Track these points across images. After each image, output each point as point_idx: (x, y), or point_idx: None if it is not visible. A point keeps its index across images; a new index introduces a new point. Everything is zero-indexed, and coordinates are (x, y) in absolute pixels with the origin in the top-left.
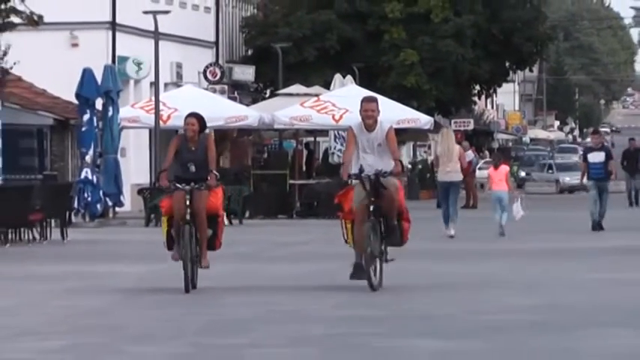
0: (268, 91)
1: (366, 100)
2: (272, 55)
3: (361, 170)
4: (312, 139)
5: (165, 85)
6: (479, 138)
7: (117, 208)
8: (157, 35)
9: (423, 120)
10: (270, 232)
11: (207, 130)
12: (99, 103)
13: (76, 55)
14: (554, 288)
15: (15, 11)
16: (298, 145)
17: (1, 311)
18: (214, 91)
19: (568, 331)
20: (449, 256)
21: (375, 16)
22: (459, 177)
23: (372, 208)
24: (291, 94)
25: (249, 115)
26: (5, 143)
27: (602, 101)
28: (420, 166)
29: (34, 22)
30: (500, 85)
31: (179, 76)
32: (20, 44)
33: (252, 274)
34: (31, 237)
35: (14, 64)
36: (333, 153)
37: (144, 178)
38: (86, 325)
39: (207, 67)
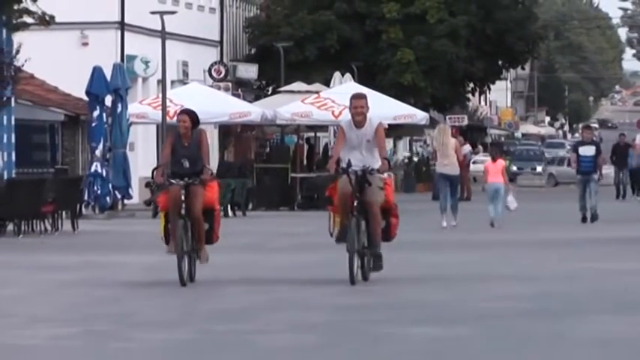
0: (271, 89)
1: (355, 97)
2: (274, 54)
3: (349, 165)
4: (312, 134)
5: (172, 82)
6: (473, 133)
7: (125, 201)
8: (163, 35)
9: (419, 116)
10: (272, 223)
11: (201, 126)
12: (108, 100)
13: (87, 54)
14: (544, 277)
15: (27, 12)
16: (299, 139)
17: (14, 299)
18: (219, 88)
19: (557, 318)
20: (443, 247)
21: (373, 16)
22: (456, 170)
23: (356, 203)
24: (292, 92)
25: (253, 111)
26: (18, 138)
27: (591, 98)
28: (416, 160)
29: (45, 22)
30: (493, 83)
31: (185, 73)
32: (33, 43)
33: (255, 264)
34: (43, 228)
35: (25, 61)
36: (332, 147)
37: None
38: (96, 313)
39: (212, 65)
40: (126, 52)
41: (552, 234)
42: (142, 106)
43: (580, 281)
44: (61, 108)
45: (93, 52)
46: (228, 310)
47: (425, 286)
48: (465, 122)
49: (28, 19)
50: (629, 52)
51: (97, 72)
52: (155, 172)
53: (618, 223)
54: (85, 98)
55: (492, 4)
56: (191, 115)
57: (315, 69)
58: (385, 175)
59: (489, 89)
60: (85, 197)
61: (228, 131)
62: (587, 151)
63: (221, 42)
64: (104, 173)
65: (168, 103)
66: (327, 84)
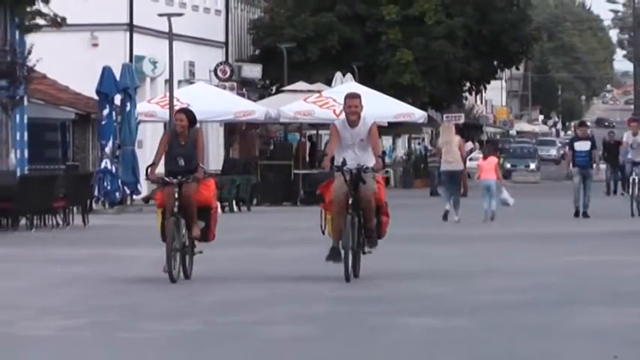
0: (274, 88)
1: (349, 97)
2: (278, 55)
3: (343, 163)
4: (314, 132)
5: (179, 82)
6: (469, 131)
7: (134, 196)
8: (171, 36)
9: (418, 114)
10: (276, 218)
11: (208, 124)
12: (118, 99)
13: (97, 55)
14: (538, 270)
15: (40, 13)
16: (302, 137)
17: (26, 291)
18: (224, 87)
19: (550, 310)
20: (440, 241)
21: (373, 18)
22: (460, 166)
23: (350, 201)
24: (295, 91)
25: (257, 109)
26: (31, 136)
27: (583, 97)
28: (414, 157)
29: (57, 23)
30: (488, 82)
31: (192, 73)
32: (45, 44)
33: (259, 258)
34: (54, 223)
35: (37, 61)
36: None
37: (159, 168)
38: (104, 305)
39: (217, 65)
40: (134, 53)
41: (545, 228)
42: (150, 104)
43: (572, 274)
44: (72, 107)
45: (103, 52)
46: (231, 302)
47: (422, 279)
48: (462, 120)
49: (41, 21)
50: (619, 53)
51: (106, 72)
52: (149, 170)
53: (609, 218)
54: (95, 97)
55: (488, 6)
56: (188, 114)
57: (317, 69)
58: (378, 173)
59: (485, 88)
60: (95, 193)
61: (233, 129)
62: (583, 146)
63: (226, 43)
64: (114, 170)
65: (175, 102)
66: (328, 83)
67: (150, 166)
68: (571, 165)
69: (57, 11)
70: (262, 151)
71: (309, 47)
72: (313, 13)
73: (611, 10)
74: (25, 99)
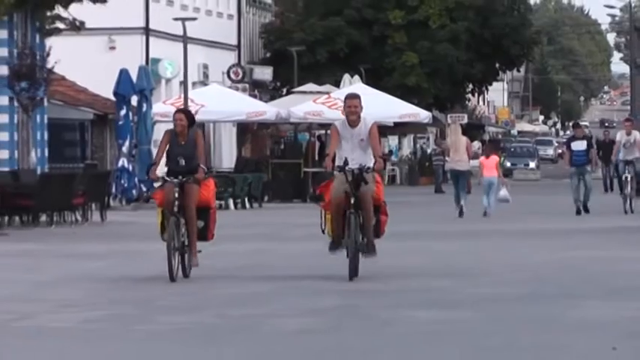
0: (285, 89)
1: (349, 97)
2: (288, 57)
3: (345, 163)
4: (323, 131)
5: (193, 83)
6: (472, 131)
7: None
8: (185, 39)
9: (422, 115)
10: (286, 214)
11: (220, 124)
12: (134, 100)
13: (114, 57)
14: (538, 264)
15: (59, 18)
16: (311, 137)
17: (47, 285)
18: (237, 89)
19: (551, 303)
20: (444, 236)
21: (379, 22)
22: (467, 166)
23: (352, 200)
24: (304, 92)
25: (268, 110)
26: (51, 135)
27: (582, 98)
28: (419, 155)
29: (76, 27)
30: (490, 84)
31: (205, 75)
32: (64, 47)
33: (270, 252)
34: (74, 219)
35: (56, 63)
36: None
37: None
38: (121, 298)
39: (230, 67)
40: (151, 56)
41: (545, 224)
42: (165, 105)
43: (571, 268)
44: (91, 107)
45: (120, 55)
46: (242, 295)
47: (426, 273)
48: (465, 120)
49: (60, 25)
50: (616, 56)
51: (123, 74)
52: (150, 170)
53: (606, 215)
54: (113, 98)
55: (490, 10)
56: (187, 115)
57: (326, 71)
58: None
59: (487, 90)
60: (113, 190)
61: (245, 129)
62: (580, 145)
63: (239, 46)
64: (130, 168)
65: (189, 103)
66: (337, 85)
67: (151, 165)
68: (569, 164)
69: (76, 16)
70: (273, 150)
71: (318, 50)
72: (322, 18)
73: (609, 15)
74: (45, 100)
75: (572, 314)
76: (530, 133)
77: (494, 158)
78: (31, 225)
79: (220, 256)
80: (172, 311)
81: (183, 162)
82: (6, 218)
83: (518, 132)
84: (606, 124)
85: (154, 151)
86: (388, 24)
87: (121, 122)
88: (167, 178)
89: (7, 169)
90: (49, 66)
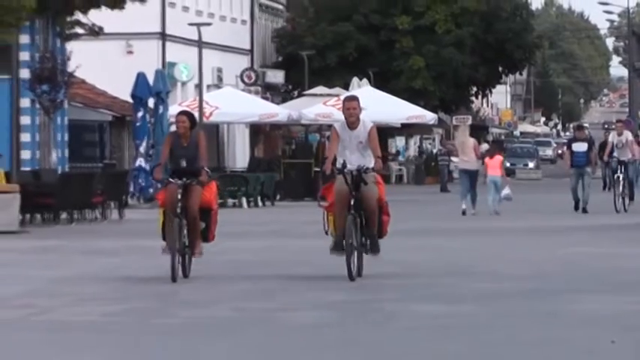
0: (296, 92)
1: (347, 99)
2: (299, 61)
3: (344, 165)
4: None
5: (208, 86)
6: (476, 132)
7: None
8: (200, 44)
9: (429, 116)
10: (297, 212)
11: (234, 125)
12: (151, 102)
13: (131, 61)
14: (539, 260)
15: (79, 23)
16: (321, 138)
17: (68, 281)
18: (250, 91)
19: (551, 297)
20: (449, 233)
21: (387, 27)
22: (475, 165)
23: (352, 201)
24: (315, 95)
25: (280, 112)
26: (71, 136)
27: (582, 100)
28: (425, 156)
29: (95, 32)
30: (494, 87)
31: (220, 79)
32: (84, 52)
33: (282, 248)
34: (93, 217)
35: (76, 67)
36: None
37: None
38: (141, 292)
39: (243, 71)
40: (167, 60)
41: (546, 222)
42: (180, 107)
43: (573, 264)
44: (109, 109)
45: (137, 59)
46: (256, 289)
47: (432, 269)
48: (470, 122)
49: (80, 30)
50: (615, 60)
51: (140, 77)
52: (154, 170)
53: (606, 212)
54: (131, 101)
55: (494, 16)
56: (190, 116)
57: (336, 74)
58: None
59: (491, 92)
60: (131, 189)
61: (258, 130)
62: (580, 147)
63: (252, 50)
64: (147, 168)
65: (204, 105)
66: (346, 88)
67: (156, 166)
68: (569, 165)
69: (95, 21)
70: (285, 150)
71: (328, 54)
72: (332, 23)
73: (608, 20)
74: (66, 102)
75: (573, 308)
76: (532, 134)
77: (498, 158)
78: (51, 223)
79: (233, 253)
80: (188, 305)
81: (184, 163)
82: (28, 216)
83: (521, 133)
84: (606, 126)
85: None
86: (395, 29)
87: (138, 124)
88: (171, 180)
89: (29, 168)
90: (69, 70)
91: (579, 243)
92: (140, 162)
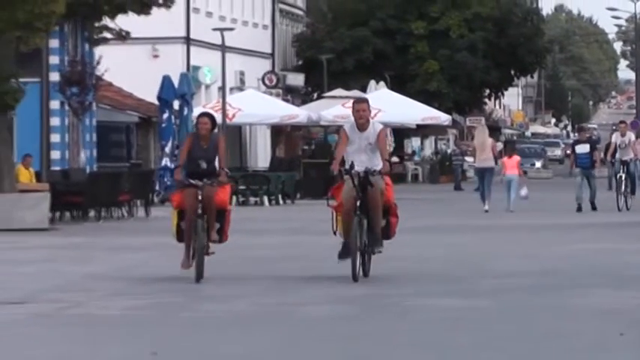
0: (315, 94)
1: (357, 102)
2: (318, 65)
3: (352, 167)
4: None
5: (231, 89)
6: (489, 133)
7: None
8: (223, 48)
9: (443, 118)
10: (317, 210)
11: (256, 126)
12: (176, 104)
13: (157, 65)
14: (549, 256)
15: (107, 28)
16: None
17: (96, 276)
18: (271, 94)
19: (561, 292)
20: (462, 230)
21: (403, 32)
22: (492, 164)
23: (358, 203)
24: (334, 97)
25: (300, 114)
26: (99, 137)
27: (591, 102)
28: (440, 156)
29: (122, 37)
30: (506, 89)
31: (242, 81)
32: (111, 55)
33: (302, 244)
34: (120, 214)
35: (105, 71)
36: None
37: None
38: (165, 287)
39: (265, 74)
40: (191, 63)
41: (555, 219)
42: (204, 109)
43: (580, 260)
44: (136, 111)
45: (163, 63)
46: (277, 284)
47: (446, 264)
48: (483, 123)
49: (107, 35)
50: (623, 63)
51: (166, 80)
52: (175, 171)
53: (612, 210)
54: (156, 103)
55: (506, 21)
56: (211, 118)
57: (354, 77)
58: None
59: (503, 95)
60: (157, 188)
61: (279, 131)
62: (583, 148)
63: (273, 54)
64: (173, 167)
65: (227, 107)
66: (363, 90)
67: (175, 168)
68: (574, 165)
69: (122, 26)
70: (305, 150)
71: (346, 58)
72: (350, 28)
73: (616, 25)
74: (94, 104)
75: (582, 303)
76: (542, 135)
77: (516, 158)
78: (80, 220)
79: (255, 249)
80: (211, 300)
81: (204, 165)
82: (58, 214)
83: (532, 134)
84: (614, 127)
85: None
86: (411, 34)
87: (163, 125)
88: (192, 181)
89: (58, 168)
90: (98, 73)
91: (587, 239)
92: (165, 162)
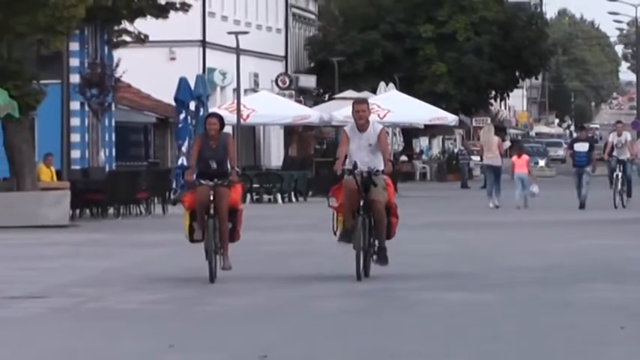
0: (327, 96)
1: (357, 102)
2: (330, 67)
3: (355, 166)
4: None
5: (245, 90)
6: (495, 133)
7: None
8: (238, 51)
9: (450, 118)
10: (328, 208)
11: (269, 127)
12: (192, 105)
13: (174, 67)
14: (553, 252)
15: (126, 31)
16: None
17: (115, 271)
18: (284, 95)
19: (562, 286)
20: (469, 227)
21: (411, 36)
22: (499, 162)
23: (362, 203)
24: (345, 98)
25: (312, 114)
26: (118, 137)
27: (593, 103)
28: (447, 155)
29: (140, 40)
30: (511, 90)
31: (256, 83)
32: (130, 58)
33: (314, 241)
34: (138, 212)
35: (123, 72)
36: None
37: None
38: (182, 282)
39: (278, 76)
40: (207, 66)
41: (557, 216)
42: (220, 110)
43: (583, 255)
44: (153, 112)
45: (179, 65)
46: (289, 279)
47: (453, 259)
48: (489, 122)
49: (126, 38)
50: (624, 65)
51: (182, 82)
52: (186, 172)
53: (609, 208)
54: (173, 104)
55: (511, 25)
56: (219, 118)
57: (364, 79)
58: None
59: (508, 96)
60: (173, 186)
61: (291, 131)
62: (582, 147)
63: (286, 57)
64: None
65: (242, 107)
66: (373, 91)
67: (186, 169)
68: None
69: (140, 29)
70: (317, 149)
71: (357, 60)
72: (360, 32)
73: (617, 29)
74: (113, 105)
75: (584, 297)
76: (546, 135)
77: (525, 157)
78: (100, 217)
79: (269, 245)
80: (227, 294)
81: (215, 165)
82: (78, 211)
83: (536, 134)
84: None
85: None
86: (419, 37)
87: (180, 125)
88: (202, 182)
89: (78, 167)
90: (117, 75)
91: (588, 236)
92: (182, 161)
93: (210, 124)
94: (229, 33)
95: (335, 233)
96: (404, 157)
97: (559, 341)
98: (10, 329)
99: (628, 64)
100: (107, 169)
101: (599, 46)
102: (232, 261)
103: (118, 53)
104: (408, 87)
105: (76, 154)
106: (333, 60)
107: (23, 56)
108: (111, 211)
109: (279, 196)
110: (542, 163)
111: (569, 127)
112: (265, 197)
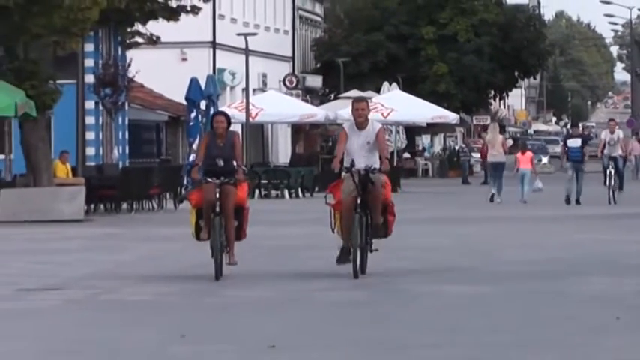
0: (332, 95)
1: (356, 101)
2: (335, 67)
3: (352, 165)
4: None
5: (254, 90)
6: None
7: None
8: (247, 52)
9: (451, 117)
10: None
11: (277, 125)
12: (203, 104)
13: (185, 67)
14: (550, 245)
15: (139, 33)
16: None
17: (127, 264)
18: (291, 95)
19: (560, 279)
20: (468, 221)
21: (414, 37)
22: (503, 159)
23: (359, 201)
24: (350, 97)
25: (318, 113)
26: (131, 135)
27: (589, 102)
28: (448, 152)
29: (153, 41)
30: (510, 90)
31: (264, 83)
32: (142, 59)
33: (319, 235)
34: (150, 207)
35: (136, 73)
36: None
37: None
38: (192, 275)
39: (285, 76)
40: (217, 66)
41: (555, 211)
42: (229, 109)
43: (580, 248)
44: (165, 111)
45: (190, 65)
46: (295, 271)
47: (454, 253)
48: (488, 122)
49: (139, 39)
50: (619, 66)
51: (193, 82)
52: (192, 170)
53: (603, 203)
54: (184, 103)
55: (510, 27)
56: (227, 117)
57: (368, 79)
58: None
59: (507, 95)
60: (185, 182)
61: (298, 129)
62: (574, 143)
63: (293, 58)
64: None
65: (250, 106)
66: (377, 91)
67: (192, 167)
68: (565, 159)
69: (152, 31)
70: (322, 147)
71: (362, 61)
72: (365, 33)
73: (612, 30)
74: (126, 104)
75: (581, 289)
76: (544, 133)
77: (529, 154)
78: (113, 212)
79: (276, 239)
80: (236, 286)
81: (221, 163)
82: (92, 206)
83: (534, 132)
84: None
85: None
86: (422, 38)
87: (191, 123)
88: (209, 179)
89: (93, 164)
90: (130, 75)
91: (584, 230)
92: (193, 158)
93: (217, 122)
94: (238, 35)
95: (333, 230)
96: (407, 155)
97: (557, 332)
98: (27, 320)
99: (623, 65)
100: (121, 165)
101: (595, 47)
102: (240, 253)
103: (131, 54)
104: (410, 87)
105: (90, 151)
106: (339, 60)
107: (40, 57)
108: (124, 206)
109: (286, 192)
110: (545, 159)
111: (565, 125)
112: (273, 193)
